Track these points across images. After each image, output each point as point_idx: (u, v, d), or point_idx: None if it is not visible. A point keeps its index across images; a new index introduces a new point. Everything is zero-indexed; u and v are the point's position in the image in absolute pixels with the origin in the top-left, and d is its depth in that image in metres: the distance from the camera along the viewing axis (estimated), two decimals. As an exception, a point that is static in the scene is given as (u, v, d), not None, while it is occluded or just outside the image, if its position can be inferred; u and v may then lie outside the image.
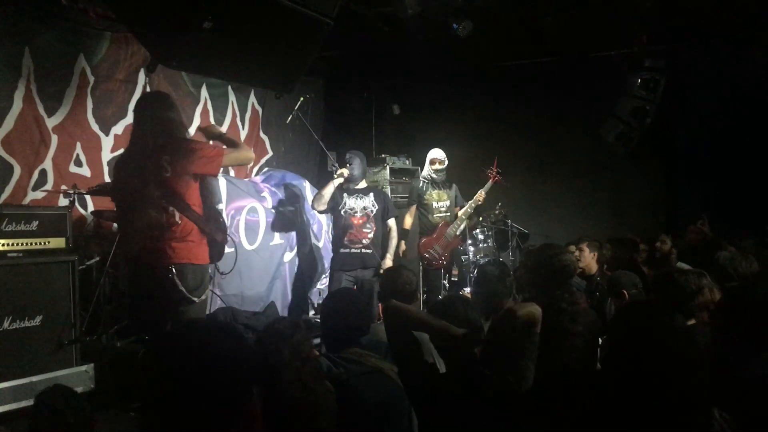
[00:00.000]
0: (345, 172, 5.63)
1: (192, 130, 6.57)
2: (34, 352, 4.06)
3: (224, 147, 3.79)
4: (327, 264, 6.68)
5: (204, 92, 6.75)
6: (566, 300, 3.39)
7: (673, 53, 7.07)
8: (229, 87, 7.06)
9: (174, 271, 3.58)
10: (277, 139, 7.72)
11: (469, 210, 6.55)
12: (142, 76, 5.94)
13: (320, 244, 6.73)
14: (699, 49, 7.10)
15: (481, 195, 6.57)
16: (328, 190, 5.58)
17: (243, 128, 7.30)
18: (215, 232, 3.73)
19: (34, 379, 3.95)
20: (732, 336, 2.56)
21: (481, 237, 7.57)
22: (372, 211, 5.66)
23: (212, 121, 6.85)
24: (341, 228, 5.62)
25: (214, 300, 5.42)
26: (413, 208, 6.71)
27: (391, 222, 5.85)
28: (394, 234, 5.84)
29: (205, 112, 6.79)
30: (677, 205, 7.74)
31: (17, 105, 5.02)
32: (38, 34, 5.14)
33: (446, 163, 6.67)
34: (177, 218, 3.53)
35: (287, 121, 6.78)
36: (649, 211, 7.84)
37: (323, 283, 6.53)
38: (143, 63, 5.83)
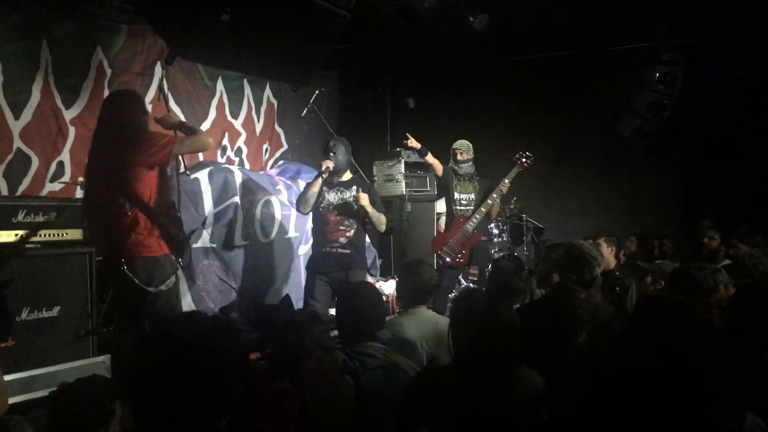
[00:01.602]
0: (330, 164, 4.97)
1: (208, 124, 6.63)
2: (52, 342, 4.09)
3: (177, 135, 3.78)
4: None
5: (220, 85, 6.76)
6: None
7: (692, 47, 6.99)
8: (245, 80, 7.07)
9: (124, 263, 3.66)
10: (292, 132, 7.72)
11: (489, 202, 6.06)
12: (158, 69, 5.95)
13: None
14: (717, 43, 7.01)
15: (505, 184, 6.09)
16: (313, 191, 4.98)
17: (258, 121, 7.31)
18: (168, 225, 3.74)
19: (51, 369, 3.99)
20: (742, 334, 2.51)
21: (495, 231, 7.56)
22: (354, 206, 5.05)
23: (227, 114, 6.87)
24: (317, 225, 5.13)
25: (229, 292, 5.45)
26: (442, 199, 6.50)
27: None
28: (381, 220, 5.15)
29: (220, 104, 6.80)
30: (693, 201, 7.67)
31: (35, 97, 5.04)
32: (56, 27, 5.16)
33: (470, 154, 6.30)
34: (127, 210, 3.60)
35: (302, 114, 6.80)
36: (664, 207, 7.77)
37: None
38: (159, 56, 5.84)
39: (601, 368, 1.87)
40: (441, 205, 7.83)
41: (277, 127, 7.60)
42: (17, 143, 4.94)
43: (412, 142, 6.15)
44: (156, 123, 3.97)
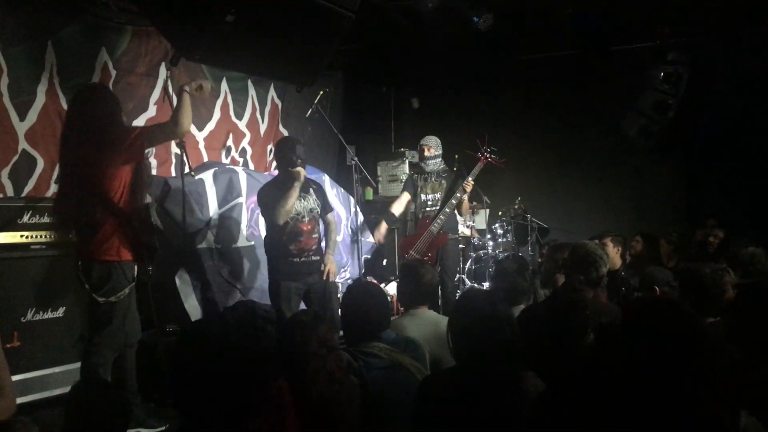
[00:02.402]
0: (302, 172, 4.68)
1: (212, 125, 6.63)
2: (57, 343, 4.11)
3: (145, 127, 3.72)
4: (347, 257, 6.69)
5: (224, 86, 6.77)
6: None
7: (697, 46, 6.97)
8: (249, 81, 7.08)
9: (80, 266, 3.59)
10: (296, 133, 7.71)
11: (454, 201, 5.76)
12: (163, 70, 5.96)
13: (339, 238, 6.74)
14: (722, 42, 7.00)
15: (469, 183, 5.75)
16: (292, 201, 4.64)
17: (263, 122, 7.32)
18: (139, 230, 3.63)
19: (56, 369, 4.01)
20: (743, 336, 2.49)
21: (500, 231, 7.56)
22: (318, 212, 4.88)
23: (232, 115, 6.88)
24: (288, 235, 4.73)
25: (234, 293, 5.45)
26: (405, 195, 6.11)
27: (330, 216, 5.07)
28: (333, 228, 5.06)
29: (225, 105, 6.80)
30: (699, 200, 7.65)
31: (40, 99, 5.06)
32: (61, 28, 5.17)
33: (438, 150, 6.01)
34: (95, 211, 3.52)
35: (306, 115, 6.78)
36: (670, 206, 7.76)
37: (343, 277, 6.51)
38: (164, 57, 5.86)
39: (607, 369, 1.86)
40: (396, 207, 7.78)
41: (281, 128, 7.60)
42: (22, 144, 4.96)
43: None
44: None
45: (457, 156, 6.30)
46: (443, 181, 5.96)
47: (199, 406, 1.48)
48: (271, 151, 7.40)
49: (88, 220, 3.59)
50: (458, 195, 5.74)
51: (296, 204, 4.73)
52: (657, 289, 3.80)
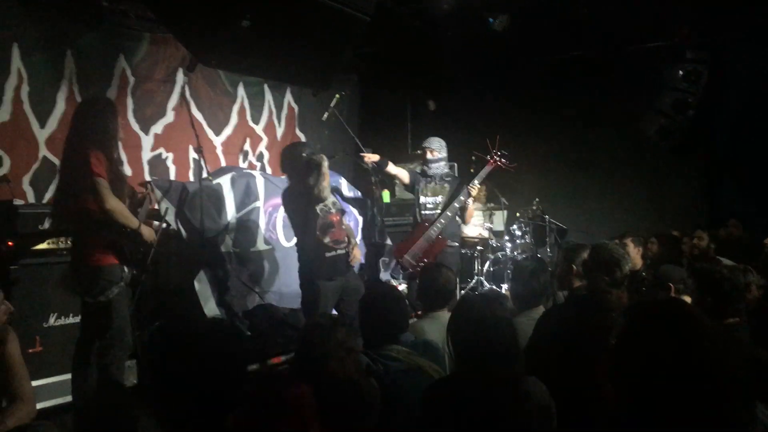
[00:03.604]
0: (323, 157, 4.56)
1: (230, 129, 6.67)
2: (79, 347, 4.14)
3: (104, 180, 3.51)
4: (363, 260, 6.68)
5: (241, 91, 6.81)
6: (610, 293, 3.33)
7: (716, 45, 6.91)
8: (265, 85, 7.12)
9: (72, 267, 3.66)
10: (313, 137, 7.74)
11: (456, 205, 5.43)
12: (180, 76, 6.02)
13: (356, 241, 6.74)
14: (742, 40, 6.92)
15: (474, 186, 5.43)
16: (326, 178, 4.55)
17: (279, 126, 7.35)
18: (119, 238, 3.59)
19: (78, 374, 4.03)
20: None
21: (518, 233, 7.52)
22: (339, 206, 4.80)
23: (248, 120, 6.91)
24: (321, 228, 4.55)
25: (252, 297, 5.47)
26: (404, 172, 5.80)
27: (344, 218, 4.94)
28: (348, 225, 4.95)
29: (242, 110, 6.85)
30: (719, 200, 7.57)
31: (60, 106, 5.12)
32: (79, 36, 5.24)
33: (442, 153, 5.68)
34: (81, 216, 3.54)
35: (323, 119, 6.79)
36: (690, 206, 7.68)
37: (388, 270, 6.43)
38: (181, 63, 5.91)
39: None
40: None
41: (298, 132, 7.63)
42: (43, 151, 5.02)
43: (369, 158, 5.56)
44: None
45: (474, 157, 6.21)
46: (446, 185, 5.65)
47: (174, 402, 1.50)
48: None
49: (74, 226, 3.66)
50: (462, 199, 5.42)
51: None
52: (672, 286, 3.74)
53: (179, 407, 1.49)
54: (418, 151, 7.80)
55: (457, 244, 5.70)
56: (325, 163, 4.46)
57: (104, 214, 3.47)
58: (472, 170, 6.39)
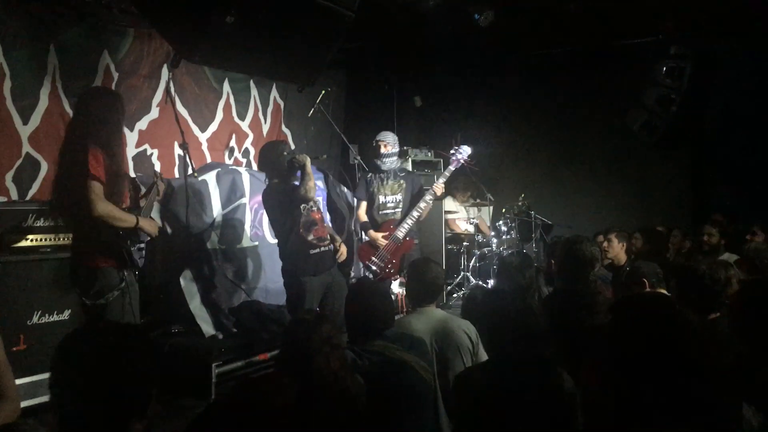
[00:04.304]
0: (306, 157, 4.53)
1: (215, 126, 6.64)
2: (63, 345, 4.12)
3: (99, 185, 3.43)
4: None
5: (226, 87, 6.78)
6: (584, 292, 3.36)
7: (700, 40, 6.95)
8: (251, 81, 7.09)
9: (70, 266, 3.61)
10: (299, 133, 7.73)
11: (423, 206, 5.30)
12: (165, 72, 5.98)
13: (342, 238, 6.74)
14: (727, 36, 6.97)
15: (439, 186, 5.34)
16: (312, 179, 4.48)
17: (265, 122, 7.33)
18: (118, 239, 3.53)
19: (63, 372, 4.01)
20: (748, 331, 2.48)
21: (504, 229, 7.56)
22: (320, 204, 4.71)
23: (234, 116, 6.89)
24: (304, 225, 4.54)
25: (238, 294, 5.47)
26: (362, 204, 5.62)
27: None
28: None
29: (227, 106, 6.81)
30: (706, 195, 7.63)
31: (43, 102, 5.07)
32: (63, 32, 5.18)
33: (395, 147, 5.53)
34: (81, 216, 3.46)
35: (309, 115, 6.79)
36: (676, 201, 7.74)
37: (357, 274, 6.42)
38: (166, 58, 5.87)
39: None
40: (449, 204, 7.81)
41: (284, 128, 7.61)
42: (26, 148, 4.98)
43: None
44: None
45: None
46: (402, 182, 5.51)
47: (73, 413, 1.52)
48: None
49: (72, 223, 3.61)
50: (428, 198, 5.31)
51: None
52: (646, 281, 3.78)
53: (73, 416, 1.51)
54: (405, 147, 7.86)
55: (418, 242, 5.52)
56: (308, 162, 4.44)
57: (93, 221, 3.39)
58: (476, 168, 6.38)
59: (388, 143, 5.51)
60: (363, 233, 5.57)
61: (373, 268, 5.37)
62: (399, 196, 5.48)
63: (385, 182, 5.50)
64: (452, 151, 5.65)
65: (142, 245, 4.08)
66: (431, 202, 5.36)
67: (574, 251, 3.52)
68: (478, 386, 2.38)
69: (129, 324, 3.05)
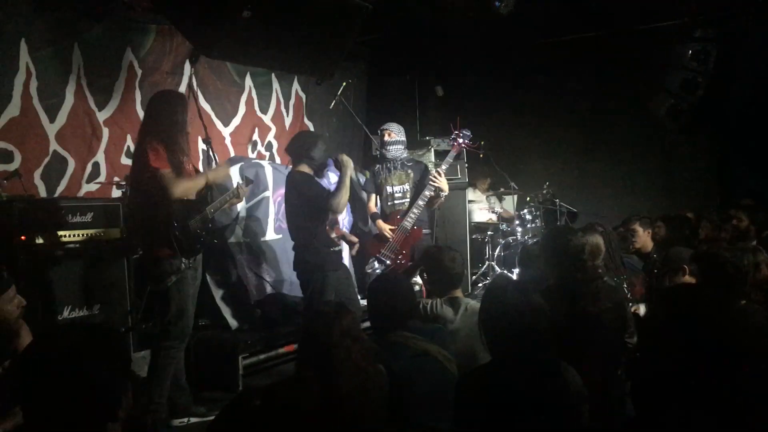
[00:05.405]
0: (349, 159, 4.71)
1: (238, 120, 6.69)
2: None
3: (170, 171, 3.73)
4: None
5: (248, 81, 6.81)
6: (579, 280, 3.28)
7: (725, 23, 6.82)
8: (273, 75, 7.11)
9: (141, 259, 4.05)
10: (321, 125, 7.75)
11: (427, 193, 5.16)
12: (187, 67, 6.02)
13: (366, 230, 6.75)
14: (752, 18, 6.82)
15: (440, 175, 5.17)
16: (347, 191, 4.63)
17: (287, 115, 7.36)
18: (170, 229, 3.78)
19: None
20: None
21: (528, 217, 7.51)
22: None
23: (257, 110, 6.93)
24: (330, 223, 4.72)
25: (264, 286, 5.51)
26: (371, 197, 5.60)
27: None
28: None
29: (249, 100, 6.85)
30: (732, 180, 7.51)
31: (69, 100, 5.15)
32: (86, 30, 5.25)
33: (400, 136, 5.42)
34: (147, 210, 3.80)
35: (330, 107, 6.80)
36: (701, 187, 7.63)
37: (371, 267, 6.46)
38: (188, 54, 5.89)
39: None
40: (471, 194, 7.78)
41: (306, 121, 7.64)
42: (53, 146, 5.06)
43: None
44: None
45: (482, 142, 6.14)
46: (410, 171, 5.41)
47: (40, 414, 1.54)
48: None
49: (142, 219, 3.88)
50: (431, 187, 5.16)
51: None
52: (687, 268, 3.64)
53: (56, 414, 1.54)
54: (427, 137, 7.85)
55: (428, 231, 5.45)
56: (350, 169, 4.63)
57: (171, 204, 3.72)
58: (481, 156, 6.38)
59: (392, 131, 5.43)
60: (373, 224, 5.56)
61: (385, 260, 5.26)
62: (407, 186, 5.38)
63: (392, 172, 5.41)
64: (452, 137, 5.56)
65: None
66: (434, 190, 5.18)
67: (560, 245, 3.40)
68: (481, 390, 2.32)
69: (94, 325, 3.20)
